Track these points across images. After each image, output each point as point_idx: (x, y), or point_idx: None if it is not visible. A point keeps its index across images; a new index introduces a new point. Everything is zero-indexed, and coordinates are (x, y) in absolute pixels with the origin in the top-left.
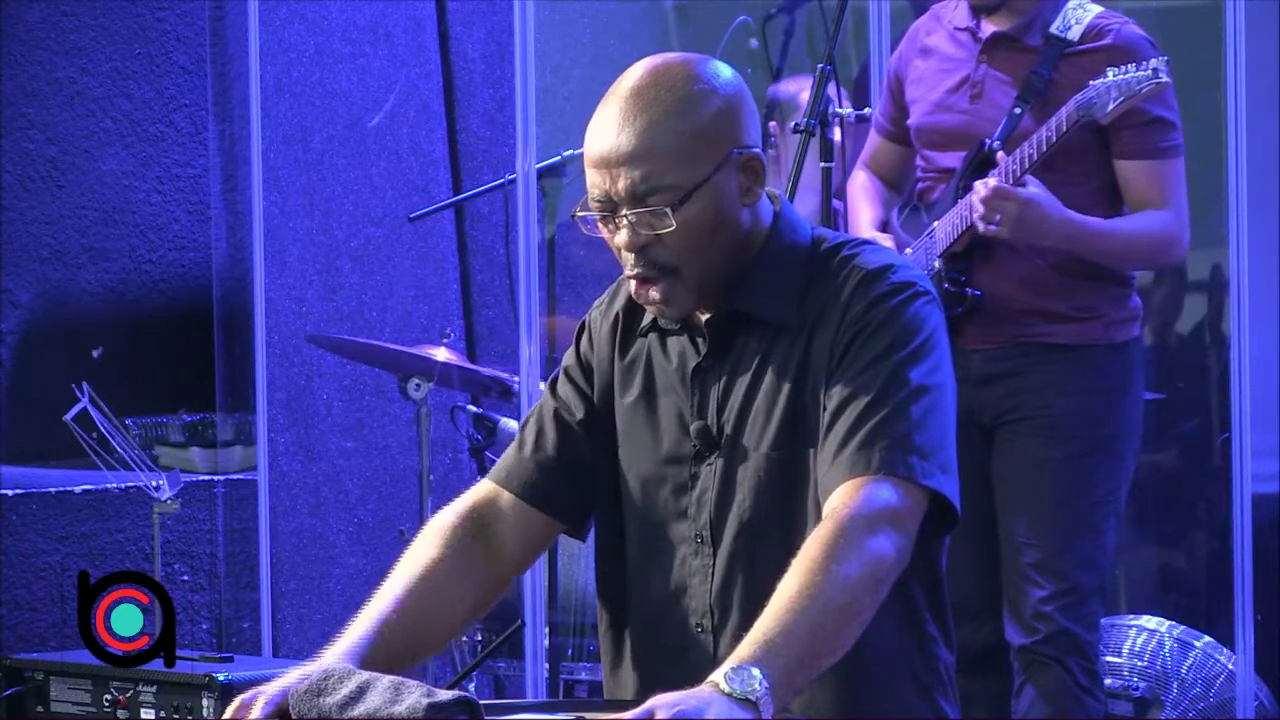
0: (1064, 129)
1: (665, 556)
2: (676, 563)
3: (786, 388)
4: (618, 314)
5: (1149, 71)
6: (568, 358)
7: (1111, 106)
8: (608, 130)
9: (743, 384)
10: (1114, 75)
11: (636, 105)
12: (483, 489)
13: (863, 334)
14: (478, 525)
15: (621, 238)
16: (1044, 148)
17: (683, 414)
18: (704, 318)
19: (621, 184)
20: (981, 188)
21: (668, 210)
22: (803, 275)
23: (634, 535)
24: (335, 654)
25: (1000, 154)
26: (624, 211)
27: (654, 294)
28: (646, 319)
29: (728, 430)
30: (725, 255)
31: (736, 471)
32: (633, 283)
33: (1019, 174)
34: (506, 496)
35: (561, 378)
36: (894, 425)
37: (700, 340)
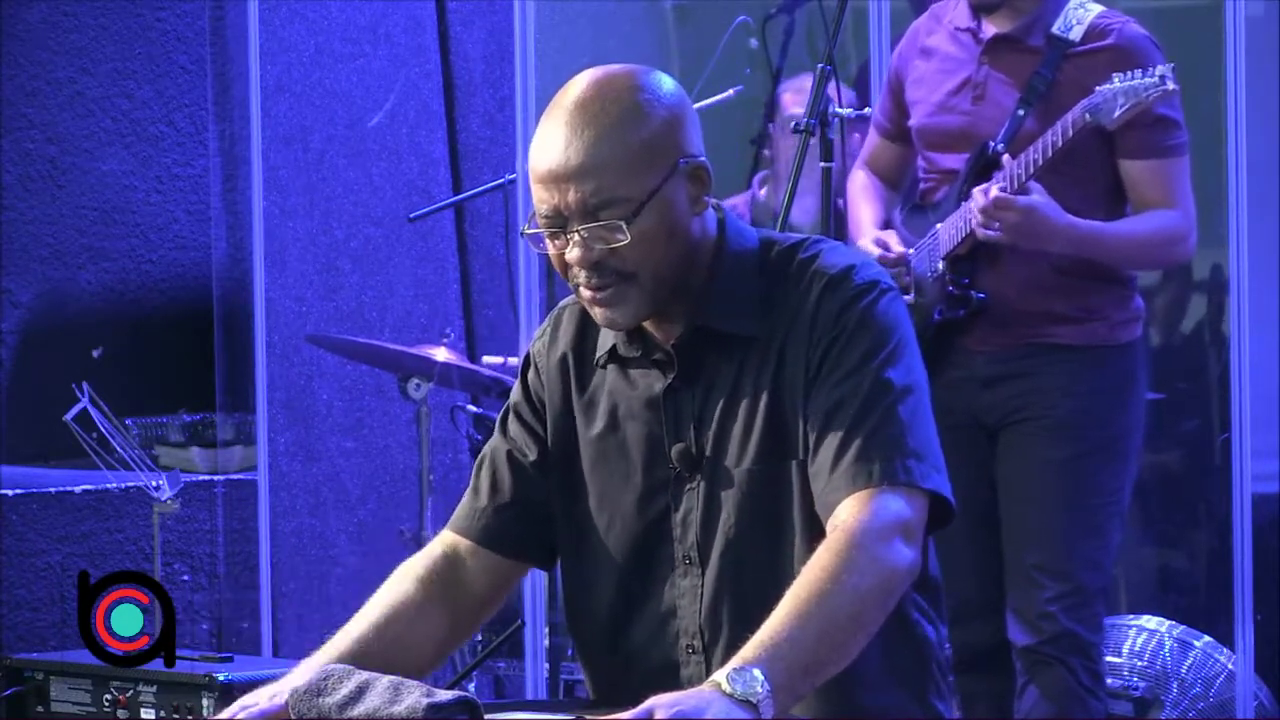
0: (1070, 134)
1: (651, 581)
2: (665, 586)
3: (763, 401)
4: (565, 352)
5: (1156, 78)
6: (515, 394)
7: (1118, 112)
8: (554, 145)
9: (718, 402)
10: (1120, 81)
11: (582, 118)
12: (444, 539)
13: (838, 341)
14: (444, 570)
15: (573, 254)
16: (1049, 152)
17: (656, 438)
18: (668, 341)
19: (572, 198)
20: (980, 196)
21: (621, 224)
22: (760, 283)
23: (612, 566)
24: (306, 669)
25: (1005, 157)
26: (575, 227)
27: (602, 299)
28: (601, 349)
29: (707, 450)
30: (678, 265)
31: (719, 490)
32: (584, 291)
33: (1024, 179)
34: (466, 544)
35: (511, 416)
36: (886, 431)
37: (665, 365)
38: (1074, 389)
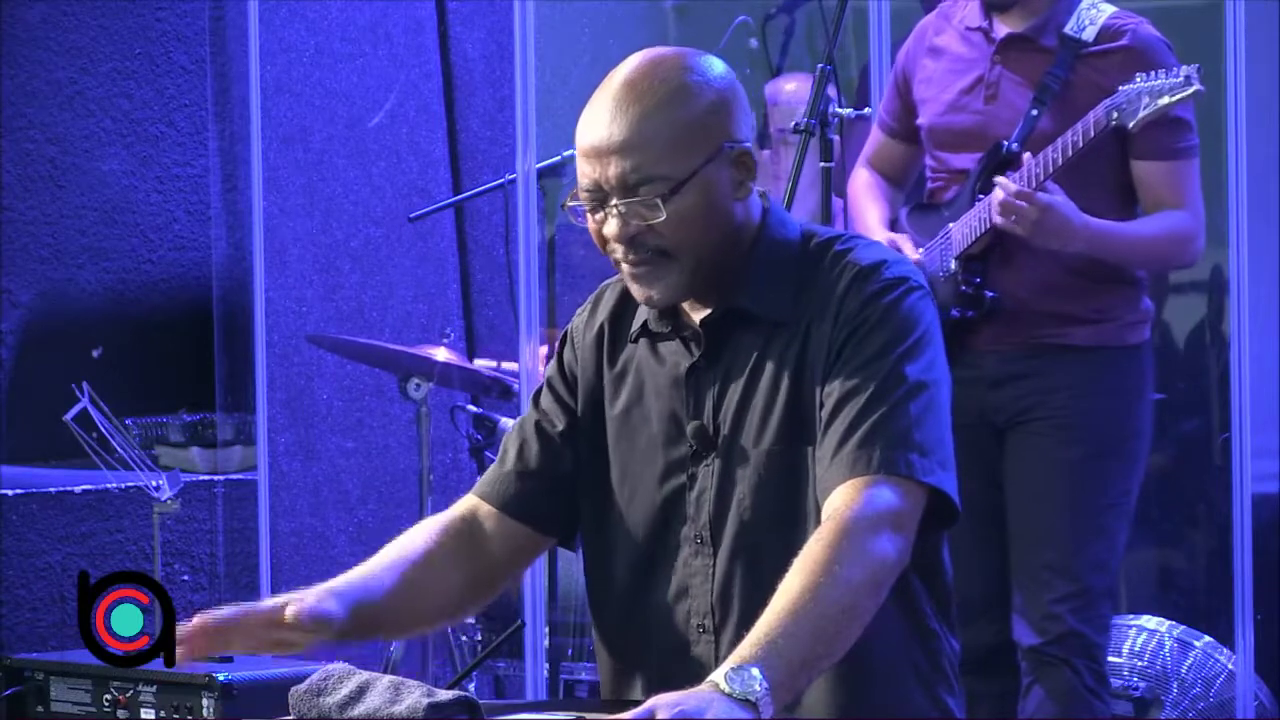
0: (1091, 134)
1: (666, 560)
2: (678, 565)
3: (784, 385)
4: (602, 324)
5: (1181, 78)
6: (550, 369)
7: (1143, 112)
8: (600, 120)
9: (739, 383)
10: (1144, 81)
11: (629, 96)
12: (466, 502)
13: (859, 331)
14: (463, 530)
15: (610, 228)
16: (1069, 152)
17: (677, 416)
18: (698, 319)
19: (612, 173)
20: (1000, 191)
21: (658, 201)
22: (795, 271)
23: (630, 542)
24: (320, 591)
25: (1026, 156)
26: (614, 201)
27: (639, 275)
28: (635, 325)
29: (725, 430)
30: (717, 248)
31: (735, 470)
32: (624, 267)
33: (1042, 178)
34: (487, 509)
35: (544, 389)
36: (893, 423)
37: (693, 342)
38: (1084, 390)
